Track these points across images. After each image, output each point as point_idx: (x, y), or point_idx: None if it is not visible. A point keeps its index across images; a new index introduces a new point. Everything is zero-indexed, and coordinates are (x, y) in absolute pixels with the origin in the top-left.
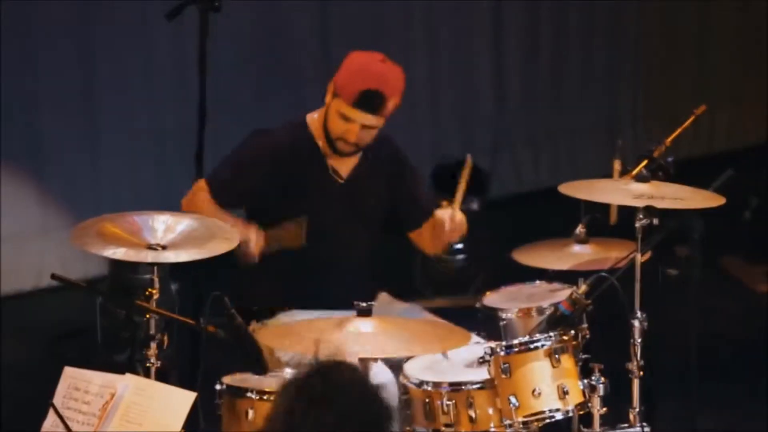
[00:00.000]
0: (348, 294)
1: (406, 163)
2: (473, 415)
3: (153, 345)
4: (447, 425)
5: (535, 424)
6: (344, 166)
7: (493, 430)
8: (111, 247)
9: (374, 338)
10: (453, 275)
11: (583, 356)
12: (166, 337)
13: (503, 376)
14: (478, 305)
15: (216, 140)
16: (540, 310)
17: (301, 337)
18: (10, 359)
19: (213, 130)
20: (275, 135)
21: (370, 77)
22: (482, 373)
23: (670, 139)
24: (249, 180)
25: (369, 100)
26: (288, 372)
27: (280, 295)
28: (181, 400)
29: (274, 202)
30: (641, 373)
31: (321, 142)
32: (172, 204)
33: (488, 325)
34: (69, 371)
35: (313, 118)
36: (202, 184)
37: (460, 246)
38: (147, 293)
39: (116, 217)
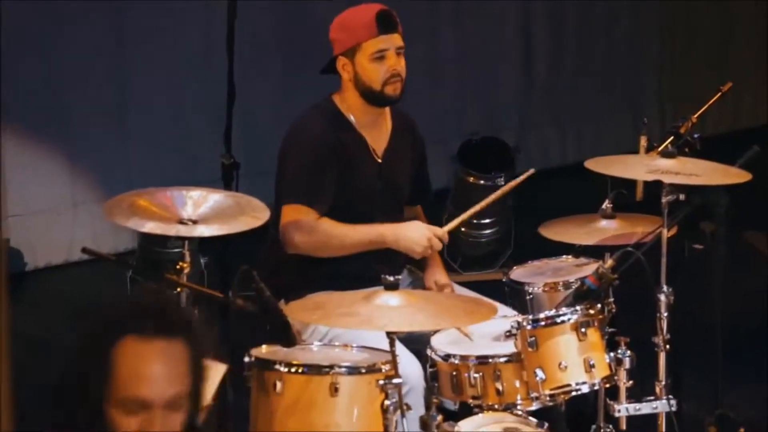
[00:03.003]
0: (378, 272)
1: (423, 142)
2: (500, 387)
3: None
4: (474, 397)
5: (562, 396)
6: (379, 145)
7: (519, 402)
8: (142, 221)
9: (402, 312)
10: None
11: (610, 330)
12: (196, 311)
13: (530, 349)
14: (505, 279)
15: (244, 117)
16: (566, 285)
17: (329, 311)
18: (40, 332)
19: (241, 107)
20: (318, 128)
21: (368, 7)
22: (509, 347)
23: (696, 115)
24: (330, 180)
25: (386, 19)
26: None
27: (310, 273)
28: (212, 372)
29: (333, 189)
30: (667, 346)
31: (355, 119)
32: (199, 178)
33: (515, 299)
34: None
35: (340, 99)
36: (302, 211)
37: (487, 221)
38: (177, 267)
39: (148, 191)
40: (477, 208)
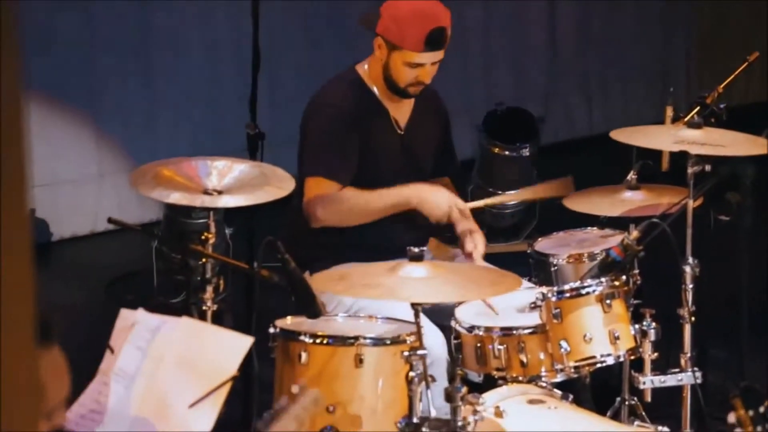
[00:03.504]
0: (403, 244)
1: (447, 113)
2: (524, 359)
3: (209, 288)
4: (498, 369)
5: (586, 369)
6: (402, 116)
7: (544, 374)
8: (167, 192)
9: (426, 283)
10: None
11: (635, 302)
12: (222, 281)
13: (554, 321)
14: (529, 251)
15: (270, 87)
16: (591, 256)
17: (354, 282)
18: (67, 302)
19: (267, 77)
20: (338, 98)
21: (427, 18)
22: (534, 319)
23: (722, 85)
24: (351, 150)
25: (436, 39)
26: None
27: (334, 244)
28: (238, 344)
29: (355, 161)
30: (693, 318)
31: (378, 91)
32: (226, 148)
33: (540, 270)
34: (125, 314)
35: (364, 69)
36: (324, 184)
37: (512, 192)
38: (203, 237)
39: (173, 161)
40: (506, 197)
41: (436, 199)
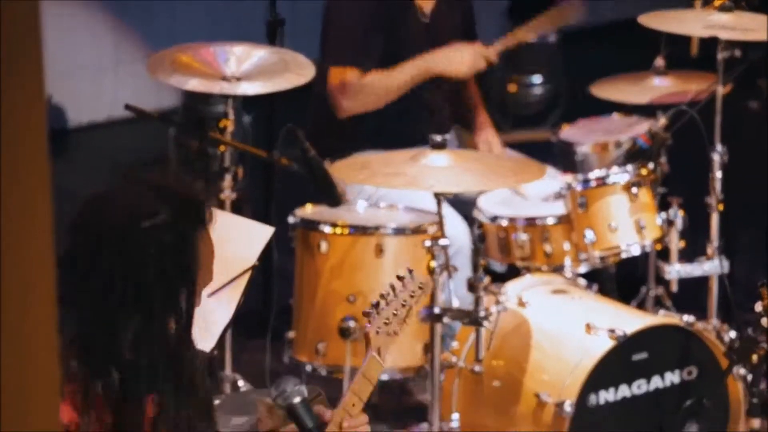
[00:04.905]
0: (426, 132)
1: (472, 2)
2: (548, 249)
3: (227, 177)
4: (522, 259)
5: (612, 258)
6: (427, 4)
7: (568, 264)
8: (185, 78)
9: (449, 172)
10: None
11: (661, 190)
12: (240, 170)
13: (579, 210)
14: (554, 139)
15: None
16: (617, 144)
17: (375, 170)
18: (84, 190)
19: None
20: None
21: None
22: (558, 208)
23: None
24: (375, 37)
25: None
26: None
27: (356, 133)
28: (259, 233)
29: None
30: (720, 206)
31: None
32: (246, 36)
33: (564, 159)
34: None
35: None
36: (348, 73)
37: (538, 80)
38: (220, 125)
39: (191, 47)
40: (524, 32)
41: (457, 54)
